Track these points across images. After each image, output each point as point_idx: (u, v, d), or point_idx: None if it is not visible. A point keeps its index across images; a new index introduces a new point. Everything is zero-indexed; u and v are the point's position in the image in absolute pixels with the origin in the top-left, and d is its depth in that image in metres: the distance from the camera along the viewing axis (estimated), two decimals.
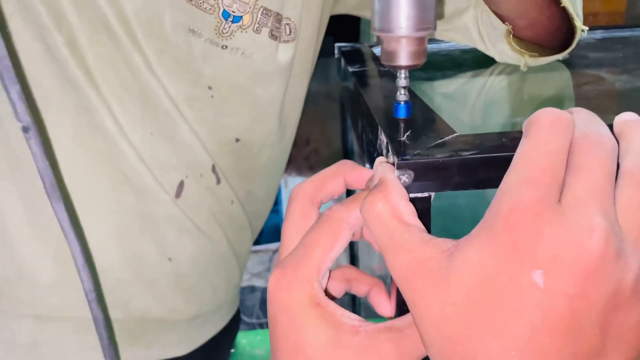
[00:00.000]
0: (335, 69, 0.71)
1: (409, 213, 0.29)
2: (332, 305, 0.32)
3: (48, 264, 0.55)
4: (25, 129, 0.36)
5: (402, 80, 0.34)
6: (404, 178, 0.31)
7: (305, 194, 0.34)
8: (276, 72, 0.57)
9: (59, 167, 0.52)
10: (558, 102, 0.48)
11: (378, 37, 0.35)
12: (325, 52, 0.69)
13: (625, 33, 0.71)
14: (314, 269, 0.32)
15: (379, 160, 0.34)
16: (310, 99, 0.69)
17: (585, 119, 0.28)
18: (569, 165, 0.26)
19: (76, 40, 0.49)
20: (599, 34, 0.70)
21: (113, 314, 0.58)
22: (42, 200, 0.52)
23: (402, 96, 0.35)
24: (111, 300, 0.57)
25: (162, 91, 0.53)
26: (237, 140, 0.59)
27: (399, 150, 0.32)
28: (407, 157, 0.31)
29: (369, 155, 0.43)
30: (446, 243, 0.27)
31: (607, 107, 0.44)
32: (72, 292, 0.55)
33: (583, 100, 0.47)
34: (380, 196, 0.29)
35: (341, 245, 0.32)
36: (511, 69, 0.57)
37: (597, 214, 0.24)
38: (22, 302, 0.56)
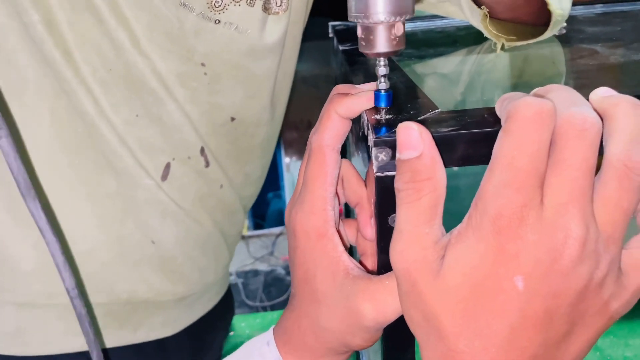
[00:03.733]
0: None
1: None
2: (337, 238, 0.35)
3: (29, 251, 0.54)
4: None
5: (382, 68, 0.33)
6: (382, 156, 0.30)
7: (330, 147, 0.35)
8: (270, 47, 0.55)
9: (32, 165, 0.52)
10: (548, 77, 0.47)
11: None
12: (325, 34, 0.68)
13: (625, 7, 0.69)
14: (320, 198, 0.35)
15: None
16: (311, 82, 0.68)
17: (566, 99, 0.27)
18: (552, 156, 0.26)
19: (54, 18, 0.48)
20: (598, 9, 0.68)
21: (99, 298, 0.57)
22: None
23: (382, 84, 0.34)
24: (96, 284, 0.57)
25: (149, 70, 0.51)
26: (233, 119, 0.58)
27: (377, 127, 0.31)
28: (385, 134, 0.30)
29: (356, 133, 0.42)
30: (443, 238, 0.29)
31: (600, 81, 0.43)
32: (55, 279, 0.54)
33: (574, 75, 0.46)
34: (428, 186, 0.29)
35: (332, 167, 0.35)
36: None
37: (575, 221, 0.25)
38: (4, 289, 0.56)
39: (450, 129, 0.30)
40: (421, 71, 0.50)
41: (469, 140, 0.30)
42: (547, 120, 0.26)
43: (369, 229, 0.37)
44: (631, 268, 0.28)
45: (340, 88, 0.36)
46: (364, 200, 0.38)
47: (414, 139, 0.28)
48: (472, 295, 0.27)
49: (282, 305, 1.82)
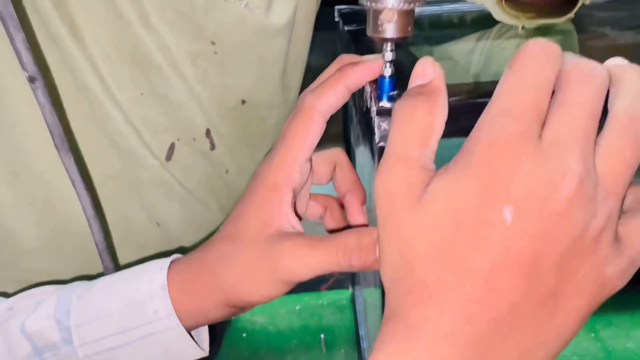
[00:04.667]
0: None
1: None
2: (288, 199, 0.34)
3: (32, 228, 0.53)
4: (31, 79, 0.35)
5: (389, 53, 0.33)
6: (384, 125, 0.30)
7: (321, 113, 0.35)
8: (279, 27, 0.55)
9: (67, 117, 0.50)
10: None
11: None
12: (331, 24, 0.67)
13: None
14: (290, 158, 0.34)
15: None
16: (315, 72, 0.68)
17: (576, 55, 0.27)
18: (555, 98, 0.25)
19: None
20: None
21: None
22: (25, 162, 0.51)
23: (387, 70, 0.33)
24: (100, 268, 0.56)
25: (156, 46, 0.50)
26: (244, 102, 0.57)
27: (380, 97, 0.31)
28: (388, 104, 0.30)
29: (360, 110, 0.42)
30: (431, 171, 0.27)
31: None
32: (58, 258, 0.54)
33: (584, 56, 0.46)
34: (425, 103, 0.28)
35: (315, 132, 0.34)
36: (514, 29, 0.55)
37: (574, 157, 0.24)
38: (6, 267, 0.55)
39: (454, 98, 0.30)
40: (428, 52, 0.49)
41: (472, 110, 0.30)
42: (552, 57, 0.25)
43: (361, 216, 0.37)
44: (627, 235, 0.26)
45: (345, 58, 0.36)
46: (355, 187, 0.38)
47: (426, 70, 0.28)
48: (453, 225, 0.25)
49: None
